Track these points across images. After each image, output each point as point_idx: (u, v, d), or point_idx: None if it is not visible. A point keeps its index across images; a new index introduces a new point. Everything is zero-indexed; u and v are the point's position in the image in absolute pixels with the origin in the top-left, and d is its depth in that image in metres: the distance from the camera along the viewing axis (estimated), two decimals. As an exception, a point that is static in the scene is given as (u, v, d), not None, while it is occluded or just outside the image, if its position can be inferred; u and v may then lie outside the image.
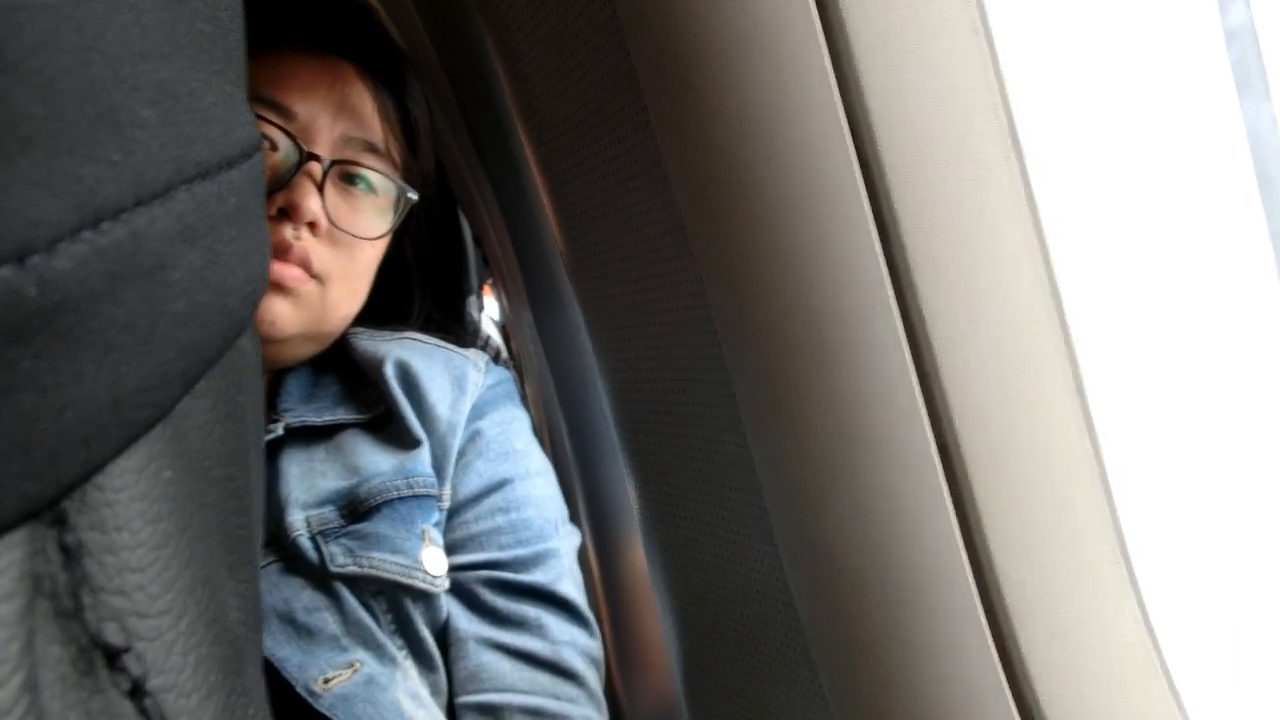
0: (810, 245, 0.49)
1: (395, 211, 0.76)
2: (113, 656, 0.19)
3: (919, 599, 0.50)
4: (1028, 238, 0.47)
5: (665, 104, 0.51)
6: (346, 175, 0.73)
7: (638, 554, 0.75)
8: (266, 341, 0.71)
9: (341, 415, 0.76)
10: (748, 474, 0.55)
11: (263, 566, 0.69)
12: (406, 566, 0.70)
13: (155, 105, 0.20)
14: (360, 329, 0.80)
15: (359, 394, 0.78)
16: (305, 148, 0.70)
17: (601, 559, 0.90)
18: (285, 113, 0.70)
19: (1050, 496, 0.50)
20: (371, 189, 0.74)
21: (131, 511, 0.19)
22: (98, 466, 0.18)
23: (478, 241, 0.97)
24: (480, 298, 0.92)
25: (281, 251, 0.69)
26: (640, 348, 0.63)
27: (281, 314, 0.71)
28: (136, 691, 0.19)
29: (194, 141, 0.22)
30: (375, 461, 0.73)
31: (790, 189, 0.48)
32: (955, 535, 0.48)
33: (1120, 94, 0.52)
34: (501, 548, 0.76)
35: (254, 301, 0.25)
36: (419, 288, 0.86)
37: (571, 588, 0.77)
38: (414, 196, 0.76)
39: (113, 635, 0.19)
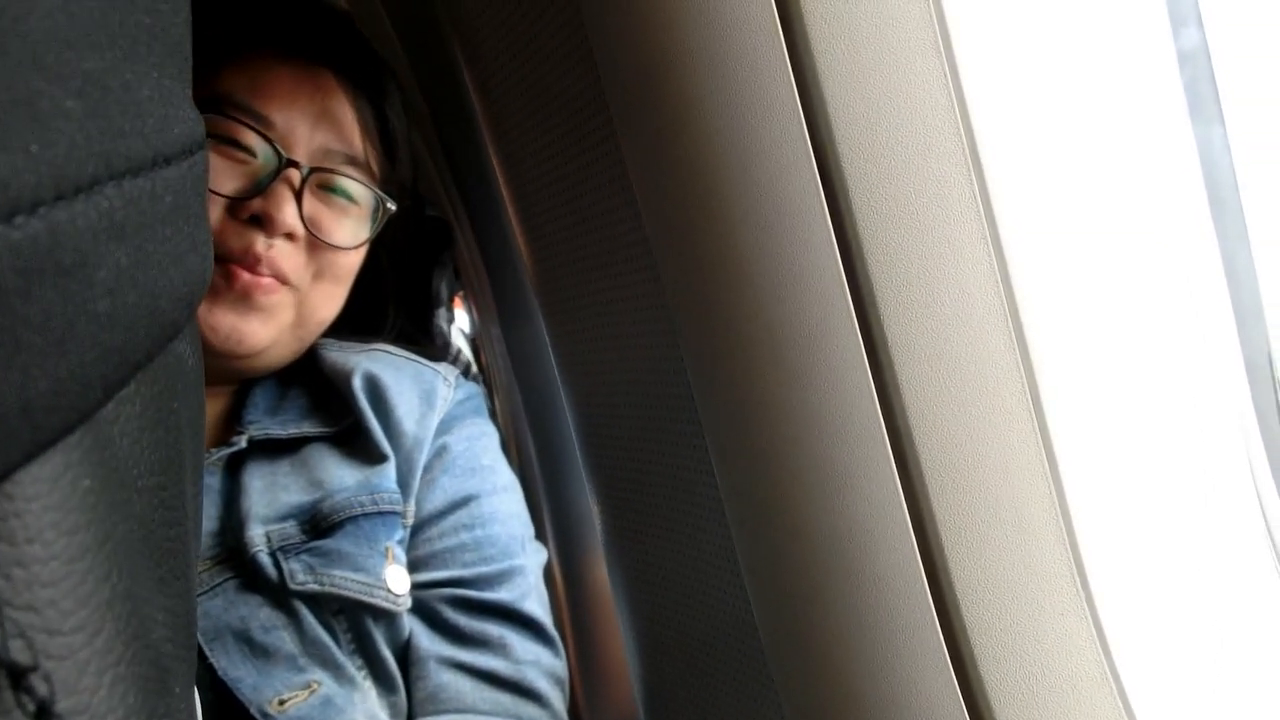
0: (773, 263, 0.49)
1: (374, 221, 0.75)
2: (18, 676, 0.17)
3: (878, 619, 0.50)
4: (987, 256, 0.47)
5: (631, 118, 0.50)
6: (325, 184, 0.72)
7: (603, 572, 0.74)
8: (236, 356, 0.70)
9: (307, 428, 0.75)
10: (710, 491, 0.55)
11: (219, 583, 0.68)
12: (368, 585, 0.69)
13: (82, 96, 0.19)
14: (330, 340, 0.79)
15: (326, 407, 0.77)
16: (284, 154, 0.69)
17: (567, 577, 0.89)
18: (264, 120, 0.69)
19: (1009, 516, 0.50)
20: (351, 198, 0.74)
21: (44, 522, 0.18)
22: (5, 474, 0.17)
23: (450, 253, 0.96)
24: (451, 310, 0.91)
25: (252, 262, 0.68)
26: (604, 365, 0.63)
27: (251, 331, 0.69)
28: (43, 714, 0.18)
29: (125, 136, 0.21)
30: (340, 476, 0.72)
31: (754, 207, 0.48)
32: (915, 555, 0.48)
33: (1073, 113, 0.53)
34: (465, 565, 0.74)
35: (191, 305, 0.24)
36: (393, 298, 0.86)
37: (537, 606, 0.76)
38: (393, 207, 0.76)
39: (18, 653, 0.17)
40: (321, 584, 0.67)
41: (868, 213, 0.46)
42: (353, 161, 0.73)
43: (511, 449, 0.91)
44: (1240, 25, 0.60)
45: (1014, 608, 0.50)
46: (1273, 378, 0.61)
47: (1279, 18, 0.62)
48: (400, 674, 0.71)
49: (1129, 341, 0.52)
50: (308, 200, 0.70)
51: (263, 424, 0.74)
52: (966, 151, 0.46)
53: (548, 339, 0.69)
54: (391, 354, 0.80)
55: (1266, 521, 0.60)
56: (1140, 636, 0.52)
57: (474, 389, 0.83)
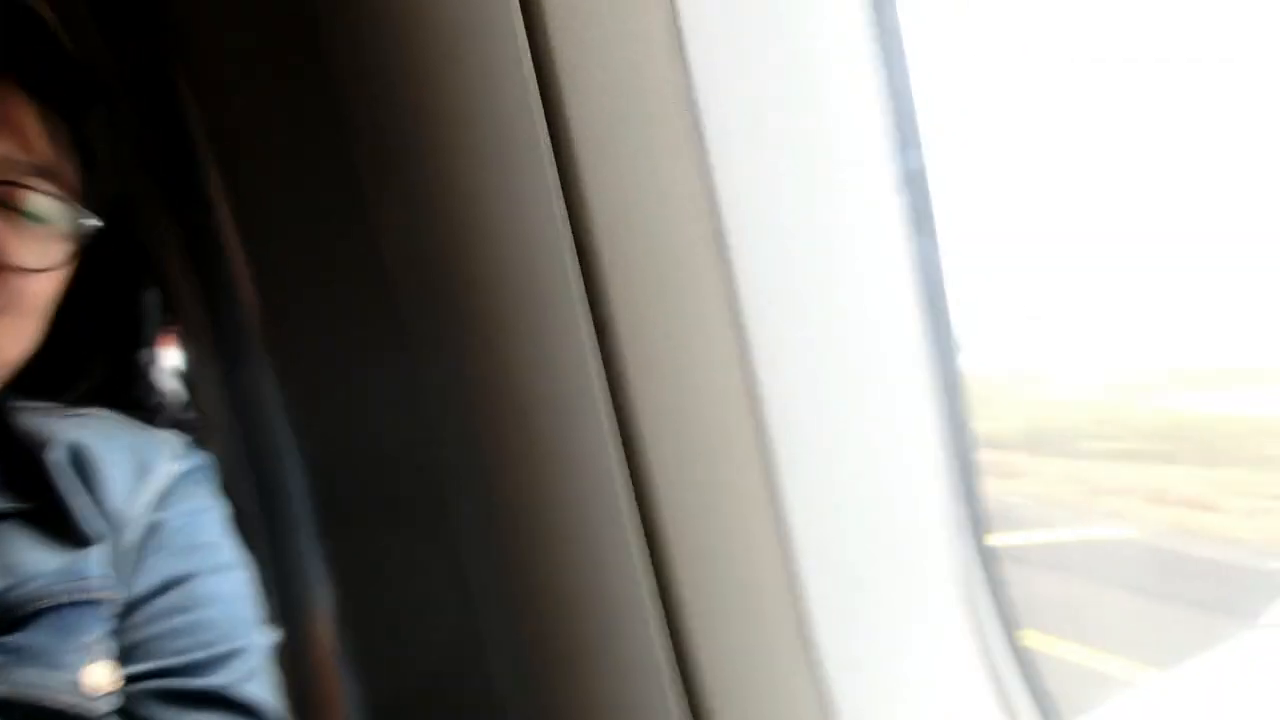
0: (526, 345, 0.50)
1: (69, 242, 0.66)
2: None
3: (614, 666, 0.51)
4: (733, 335, 0.51)
5: (372, 136, 0.49)
6: (5, 199, 0.63)
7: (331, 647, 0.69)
8: None
9: None
10: (448, 552, 0.53)
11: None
12: (62, 687, 0.60)
13: None
14: (26, 403, 0.69)
15: (18, 479, 0.67)
16: None
17: (292, 654, 0.82)
18: None
19: (741, 578, 0.54)
20: (39, 217, 0.64)
21: None
22: None
23: (160, 284, 0.87)
24: (154, 350, 0.83)
25: None
26: (341, 417, 0.59)
27: None
28: None
29: None
30: (35, 560, 0.63)
31: (508, 282, 0.49)
32: (659, 629, 0.49)
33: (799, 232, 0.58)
34: (176, 653, 0.66)
35: None
36: (93, 337, 0.77)
37: (258, 689, 0.68)
38: (93, 224, 0.67)
39: None
40: (6, 687, 0.58)
41: (622, 304, 0.49)
42: (41, 173, 0.64)
43: (229, 495, 0.83)
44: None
45: (741, 655, 0.53)
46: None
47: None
48: None
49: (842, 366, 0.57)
50: None
51: None
52: (714, 236, 0.50)
53: (278, 387, 0.64)
54: (105, 420, 0.72)
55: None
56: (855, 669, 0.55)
57: (201, 460, 0.75)
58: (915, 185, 0.64)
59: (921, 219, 0.64)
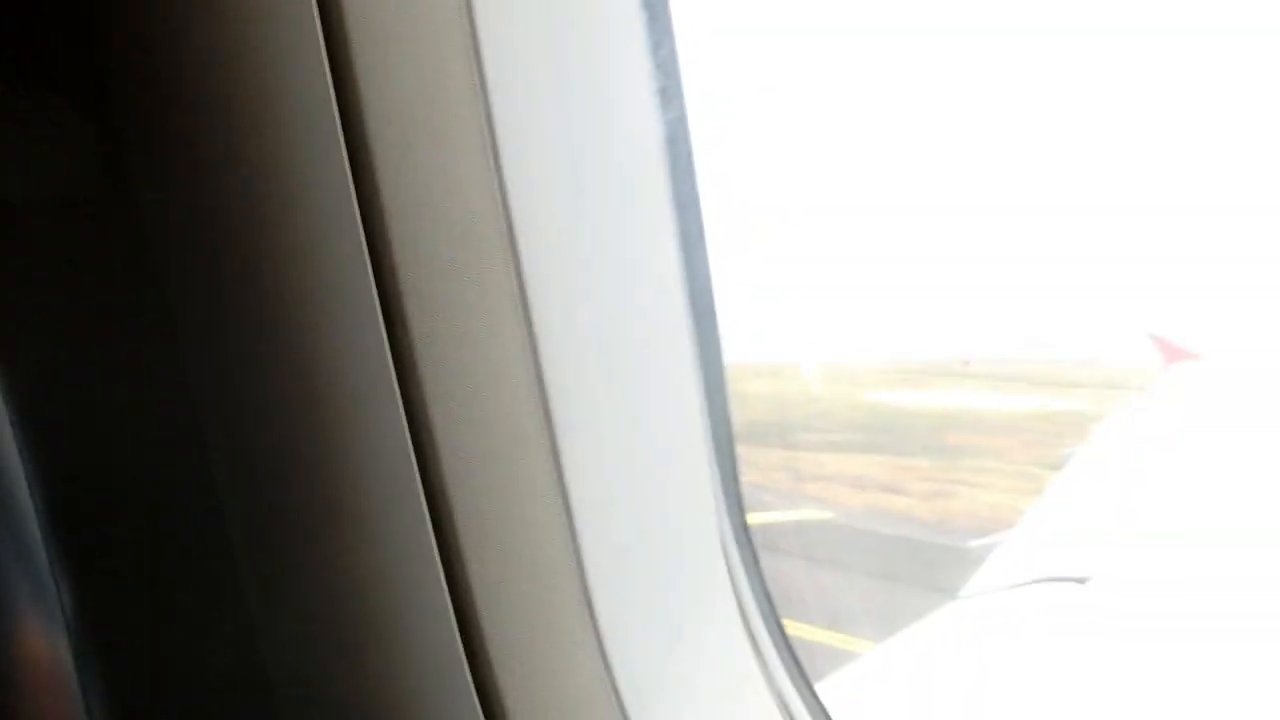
0: (314, 333, 0.49)
1: None
2: None
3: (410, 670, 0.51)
4: (521, 327, 0.53)
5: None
6: None
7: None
8: None
9: None
10: (220, 549, 0.51)
11: None
12: None
13: None
14: None
15: None
16: None
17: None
18: None
19: (527, 558, 0.56)
20: None
21: None
22: None
23: None
24: None
25: None
26: (78, 413, 0.55)
27: None
28: None
29: None
30: None
31: (296, 271, 0.48)
32: (448, 610, 0.50)
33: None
34: None
35: None
36: None
37: None
38: None
39: None
40: None
41: (423, 342, 0.49)
42: None
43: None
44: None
45: (538, 657, 0.54)
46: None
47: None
48: None
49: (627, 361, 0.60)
50: None
51: None
52: (509, 242, 0.51)
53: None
54: None
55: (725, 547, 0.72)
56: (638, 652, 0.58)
57: None
58: (686, 189, 0.68)
59: (690, 223, 0.69)
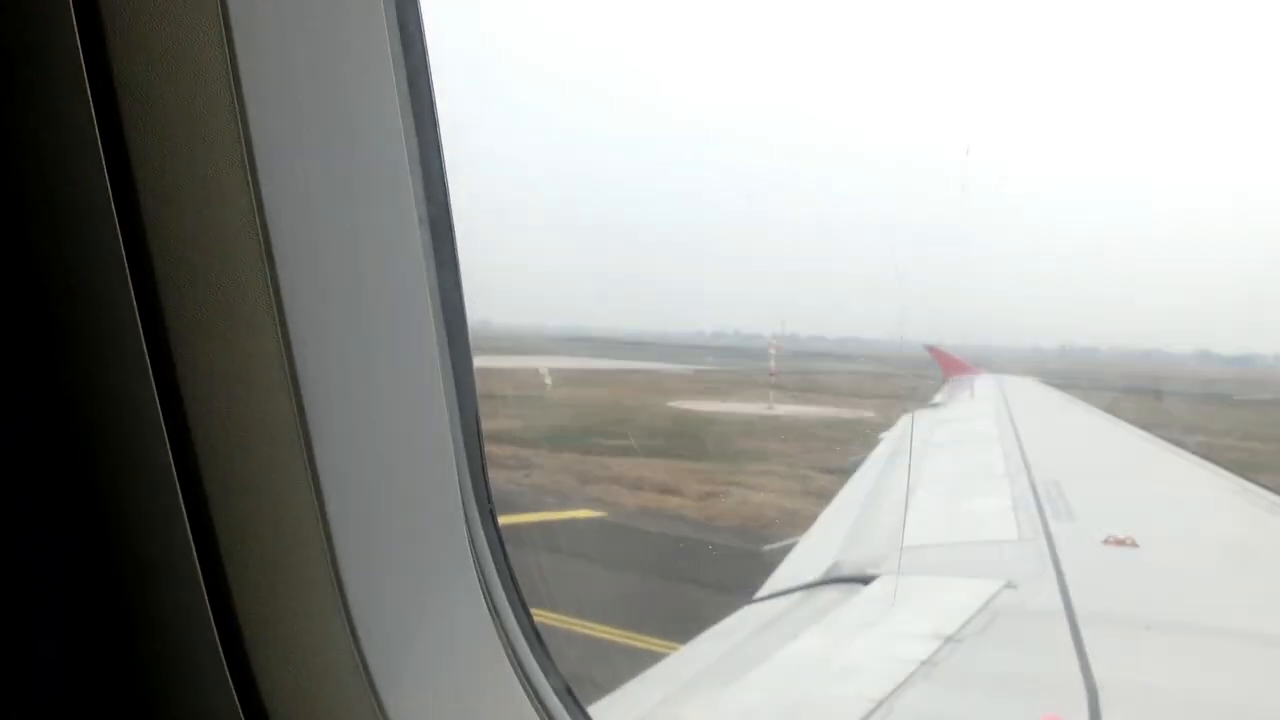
0: (76, 339, 0.50)
1: None
2: None
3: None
4: (276, 329, 0.56)
5: None
6: None
7: None
8: None
9: None
10: None
11: None
12: None
13: None
14: None
15: None
16: None
17: None
18: None
19: (289, 566, 0.58)
20: None
21: None
22: None
23: None
24: None
25: None
26: None
27: None
28: None
29: None
30: None
31: (57, 276, 0.49)
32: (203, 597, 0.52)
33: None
34: None
35: None
36: None
37: None
38: None
39: None
40: None
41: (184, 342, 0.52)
42: None
43: None
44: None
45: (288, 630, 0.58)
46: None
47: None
48: None
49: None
50: None
51: None
52: (263, 252, 0.54)
53: None
54: None
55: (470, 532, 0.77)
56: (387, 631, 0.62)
57: None
58: (437, 198, 0.73)
59: (441, 230, 0.73)
